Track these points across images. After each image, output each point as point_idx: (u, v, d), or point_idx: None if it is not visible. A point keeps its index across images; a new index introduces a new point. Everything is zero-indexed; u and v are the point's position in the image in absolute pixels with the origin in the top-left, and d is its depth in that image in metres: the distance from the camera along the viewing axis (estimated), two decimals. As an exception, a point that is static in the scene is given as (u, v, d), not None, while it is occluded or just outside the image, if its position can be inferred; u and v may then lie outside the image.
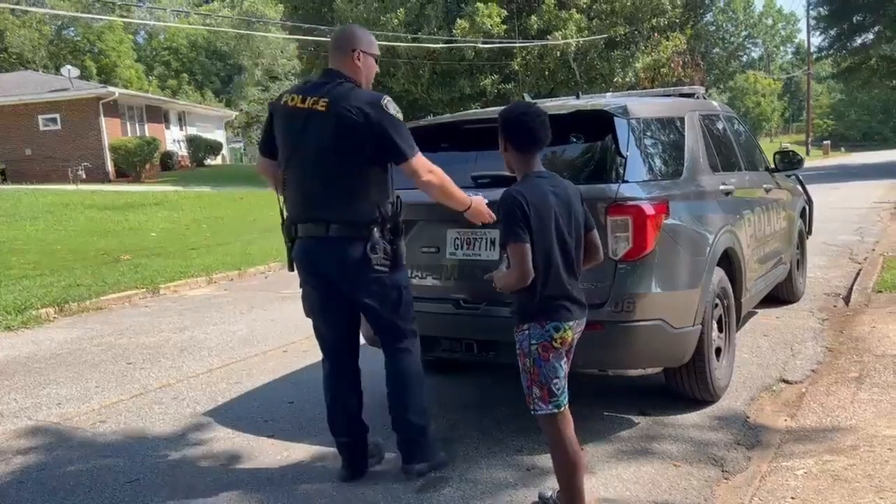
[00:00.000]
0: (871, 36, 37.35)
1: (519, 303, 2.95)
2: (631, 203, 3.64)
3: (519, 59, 25.36)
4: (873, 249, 9.46)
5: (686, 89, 5.40)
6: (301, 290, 3.56)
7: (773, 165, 6.07)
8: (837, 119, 76.82)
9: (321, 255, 3.32)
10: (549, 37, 24.92)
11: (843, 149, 62.20)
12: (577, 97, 4.97)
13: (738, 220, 4.70)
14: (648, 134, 4.10)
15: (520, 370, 2.94)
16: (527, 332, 2.89)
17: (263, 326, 7.10)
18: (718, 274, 4.24)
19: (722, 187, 4.56)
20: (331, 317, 3.49)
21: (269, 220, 16.48)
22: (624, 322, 3.64)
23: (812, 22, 44.35)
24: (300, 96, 3.34)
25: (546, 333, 2.85)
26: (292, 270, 3.50)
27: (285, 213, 3.48)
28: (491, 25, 24.02)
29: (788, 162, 6.01)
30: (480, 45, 24.12)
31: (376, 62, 3.54)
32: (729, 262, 4.47)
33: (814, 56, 47.97)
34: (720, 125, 5.26)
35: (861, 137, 71.51)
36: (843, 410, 4.06)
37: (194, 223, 16.39)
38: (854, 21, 37.04)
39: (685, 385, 4.19)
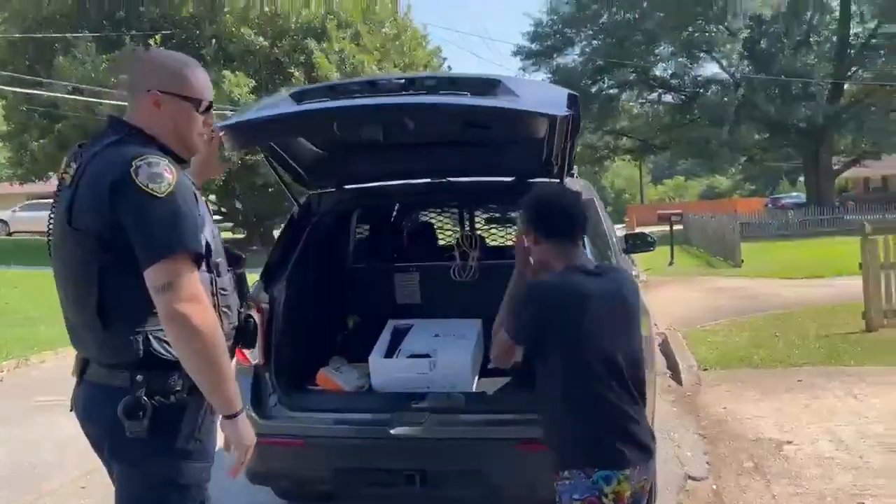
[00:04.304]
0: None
1: (551, 439, 2.29)
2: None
3: (268, 131, 24.58)
4: (655, 324, 9.95)
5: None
6: None
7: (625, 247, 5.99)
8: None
9: (79, 410, 2.13)
10: (299, 110, 24.51)
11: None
12: None
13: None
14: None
15: None
16: (568, 482, 2.20)
17: (30, 451, 5.40)
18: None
19: (634, 272, 4.28)
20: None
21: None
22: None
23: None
24: (66, 161, 2.11)
25: (594, 487, 2.17)
26: None
27: None
28: (239, 95, 23.00)
29: (641, 244, 5.96)
30: (229, 113, 22.95)
31: (193, 102, 2.10)
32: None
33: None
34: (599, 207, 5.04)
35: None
36: (775, 511, 3.86)
37: None
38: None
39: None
